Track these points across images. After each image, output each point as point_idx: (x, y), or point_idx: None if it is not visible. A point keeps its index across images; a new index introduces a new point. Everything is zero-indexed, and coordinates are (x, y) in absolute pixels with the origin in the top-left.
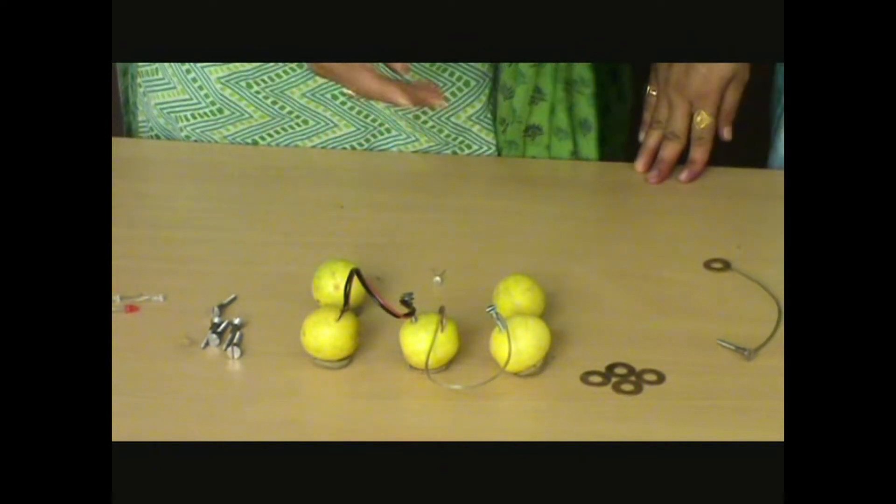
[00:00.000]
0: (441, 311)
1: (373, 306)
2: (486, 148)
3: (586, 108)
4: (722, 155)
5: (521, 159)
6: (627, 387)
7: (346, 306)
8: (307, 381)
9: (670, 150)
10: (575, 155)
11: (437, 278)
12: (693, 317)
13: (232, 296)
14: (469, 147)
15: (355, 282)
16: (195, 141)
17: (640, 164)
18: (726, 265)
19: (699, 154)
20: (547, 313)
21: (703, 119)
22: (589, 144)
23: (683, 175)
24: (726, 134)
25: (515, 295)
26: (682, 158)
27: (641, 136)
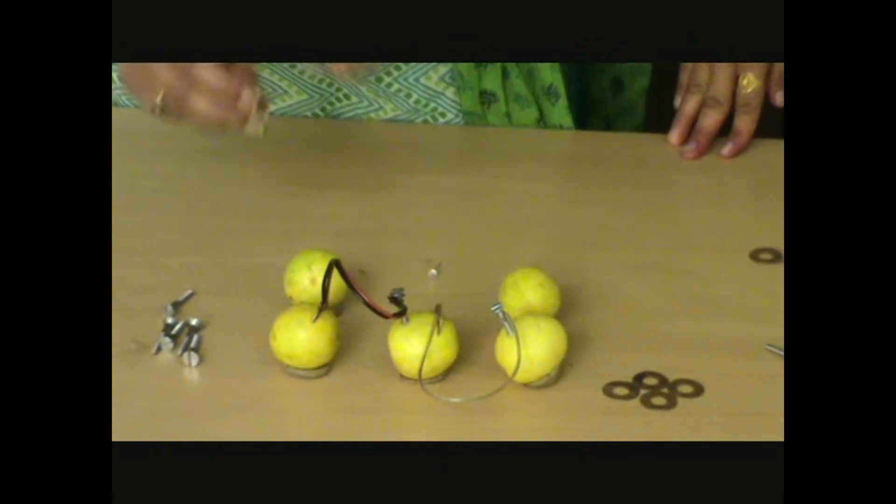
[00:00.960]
0: (437, 309)
1: (356, 305)
2: (463, 118)
3: (550, 75)
4: (772, 125)
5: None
6: (659, 400)
7: (325, 304)
8: (278, 394)
9: (711, 119)
10: (542, 124)
11: (433, 271)
12: (737, 317)
13: (188, 292)
14: (443, 116)
15: (335, 275)
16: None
17: (674, 134)
18: (777, 256)
19: (745, 123)
20: (563, 313)
21: (749, 82)
22: (560, 112)
23: (727, 149)
24: (778, 100)
25: (526, 291)
26: (725, 129)
27: (677, 103)
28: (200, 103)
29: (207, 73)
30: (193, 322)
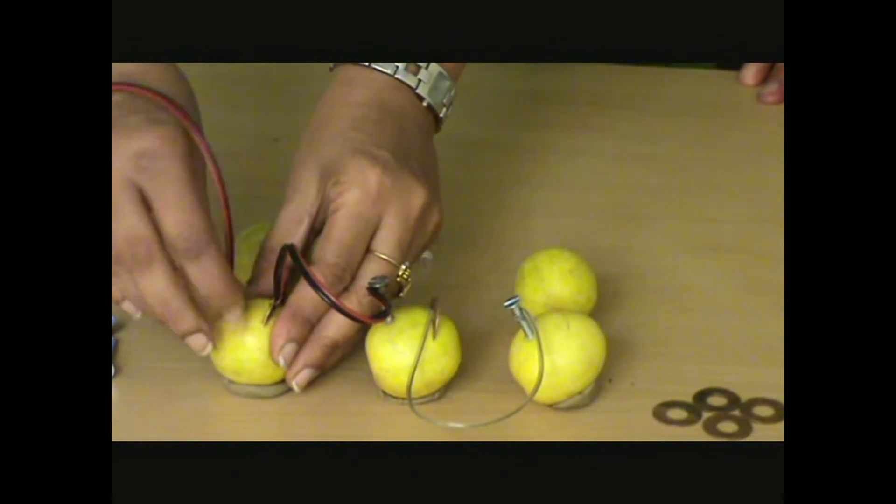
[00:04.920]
0: (432, 306)
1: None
2: None
3: None
4: None
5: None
6: (728, 426)
7: (279, 300)
8: (221, 419)
9: None
10: None
11: (427, 254)
12: None
13: None
14: None
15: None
16: None
17: (748, 73)
18: None
19: None
20: (600, 309)
21: None
22: None
23: (769, 89)
24: (768, 97)
25: (551, 280)
26: None
27: None
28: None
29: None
30: None
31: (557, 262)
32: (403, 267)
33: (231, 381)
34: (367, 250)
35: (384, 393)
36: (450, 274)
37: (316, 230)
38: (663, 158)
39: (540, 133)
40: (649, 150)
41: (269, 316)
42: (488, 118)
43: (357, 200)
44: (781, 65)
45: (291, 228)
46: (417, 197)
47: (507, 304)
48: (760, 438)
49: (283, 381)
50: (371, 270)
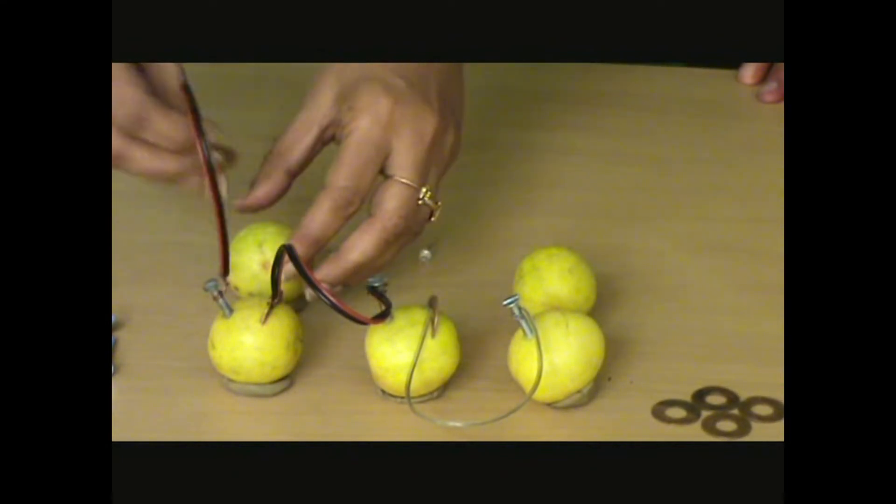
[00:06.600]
0: (431, 304)
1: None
2: None
3: None
4: None
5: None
6: (727, 425)
7: (277, 299)
8: (219, 417)
9: None
10: None
11: (426, 252)
12: None
13: None
14: None
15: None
16: None
17: (748, 72)
18: None
19: None
20: (599, 309)
21: None
22: None
23: (768, 89)
24: (767, 96)
25: (550, 279)
26: None
27: None
28: (140, 151)
29: (159, 116)
30: None
31: (556, 261)
32: (424, 189)
33: (230, 380)
34: (386, 177)
35: (383, 392)
36: (449, 273)
37: (324, 141)
38: (662, 158)
39: (539, 132)
40: (648, 150)
41: (267, 315)
42: (487, 118)
43: (368, 127)
44: (780, 64)
45: (301, 134)
46: (429, 122)
47: (506, 302)
48: (759, 437)
49: (281, 379)
50: (392, 195)
